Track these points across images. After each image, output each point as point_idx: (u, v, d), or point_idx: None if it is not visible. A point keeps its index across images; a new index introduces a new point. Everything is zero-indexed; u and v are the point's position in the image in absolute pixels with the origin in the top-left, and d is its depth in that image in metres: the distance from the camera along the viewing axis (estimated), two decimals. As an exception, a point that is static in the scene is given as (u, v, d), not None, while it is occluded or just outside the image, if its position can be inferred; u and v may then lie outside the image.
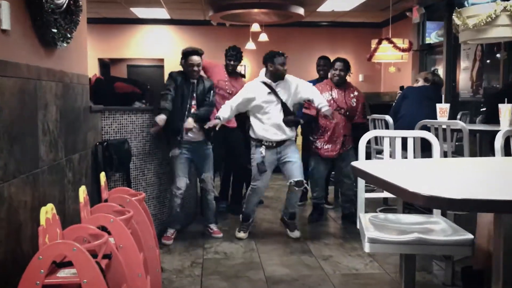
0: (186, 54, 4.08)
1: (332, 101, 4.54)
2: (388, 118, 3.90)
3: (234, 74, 4.92)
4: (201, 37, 9.18)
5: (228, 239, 4.19)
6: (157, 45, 9.18)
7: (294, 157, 4.13)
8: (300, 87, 4.19)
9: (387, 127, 3.98)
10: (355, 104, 4.58)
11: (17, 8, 2.27)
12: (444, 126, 3.22)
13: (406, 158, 2.61)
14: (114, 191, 3.15)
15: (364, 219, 2.40)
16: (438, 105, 3.53)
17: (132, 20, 9.05)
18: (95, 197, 3.14)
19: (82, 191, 2.50)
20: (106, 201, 2.81)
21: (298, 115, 4.86)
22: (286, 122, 4.07)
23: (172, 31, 9.27)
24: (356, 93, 4.64)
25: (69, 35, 2.76)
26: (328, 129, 4.56)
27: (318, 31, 9.60)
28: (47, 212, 2.01)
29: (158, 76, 9.62)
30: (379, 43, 5.57)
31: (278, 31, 8.91)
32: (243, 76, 4.99)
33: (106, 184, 2.98)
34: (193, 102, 4.12)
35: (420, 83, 4.23)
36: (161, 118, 3.88)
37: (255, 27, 7.49)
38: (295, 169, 4.10)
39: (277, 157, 4.15)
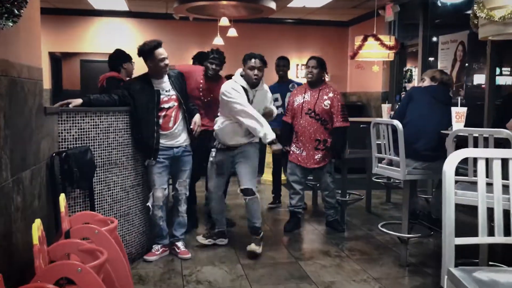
0: (153, 48, 3.58)
1: (303, 104, 4.33)
2: (397, 123, 3.46)
3: (214, 79, 4.37)
4: (163, 31, 8.55)
5: (210, 260, 3.65)
6: (114, 39, 8.43)
7: (246, 161, 3.85)
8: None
9: (394, 134, 3.54)
10: (328, 106, 4.27)
11: None
12: (486, 135, 2.80)
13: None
14: (77, 217, 2.56)
15: (456, 278, 1.77)
16: (454, 109, 3.13)
17: (87, 12, 8.30)
18: (51, 226, 2.52)
19: (37, 228, 1.88)
20: (67, 234, 2.21)
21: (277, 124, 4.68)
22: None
23: (131, 25, 8.57)
24: (331, 94, 4.33)
25: (17, 11, 2.04)
26: (298, 132, 4.38)
27: (285, 28, 9.22)
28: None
29: (114, 72, 8.87)
30: (365, 40, 5.18)
31: (246, 27, 8.43)
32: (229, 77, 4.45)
33: (67, 209, 2.39)
34: (168, 105, 3.69)
35: (426, 82, 3.83)
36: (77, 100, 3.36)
37: (224, 21, 6.95)
38: (243, 175, 3.82)
39: (231, 160, 3.92)
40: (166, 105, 3.69)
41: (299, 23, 9.18)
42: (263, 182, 6.85)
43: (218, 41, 7.38)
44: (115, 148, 3.55)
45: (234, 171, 3.93)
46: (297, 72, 9.25)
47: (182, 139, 3.79)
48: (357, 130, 5.15)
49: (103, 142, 3.44)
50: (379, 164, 3.85)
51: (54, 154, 2.90)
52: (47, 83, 8.37)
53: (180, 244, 3.89)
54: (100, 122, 3.43)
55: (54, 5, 8.00)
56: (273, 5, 7.06)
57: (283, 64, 5.34)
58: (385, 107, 5.24)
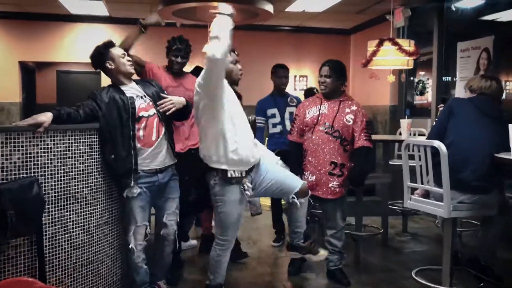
0: (107, 47, 3.00)
1: (319, 117, 3.43)
2: (439, 145, 2.68)
3: (180, 75, 3.61)
4: (147, 39, 7.63)
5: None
6: (93, 47, 7.63)
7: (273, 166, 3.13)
8: None
9: (433, 158, 2.75)
10: (351, 121, 3.40)
11: None
12: None
13: None
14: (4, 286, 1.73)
15: None
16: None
17: (62, 17, 7.51)
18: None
19: None
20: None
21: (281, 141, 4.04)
22: None
23: (112, 31, 7.74)
24: (354, 107, 3.48)
25: None
26: (307, 150, 3.47)
27: (282, 36, 8.51)
28: None
29: (94, 84, 8.05)
30: (380, 44, 4.42)
31: (239, 34, 7.60)
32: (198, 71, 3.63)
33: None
34: (148, 113, 2.94)
35: (468, 93, 3.07)
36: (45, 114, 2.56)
37: (215, 27, 6.16)
38: (287, 179, 3.08)
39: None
40: (145, 113, 2.93)
41: (297, 30, 8.47)
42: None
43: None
44: (75, 177, 2.73)
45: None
46: (295, 84, 8.51)
47: (168, 158, 3.00)
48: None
49: (57, 170, 2.63)
50: (413, 196, 3.05)
51: (-23, 192, 2.07)
52: (17, 96, 7.51)
53: (162, 283, 3.21)
54: (54, 144, 2.62)
55: (25, 9, 7.18)
56: (270, 8, 6.30)
57: (284, 75, 4.55)
58: (405, 123, 4.49)
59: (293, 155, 3.58)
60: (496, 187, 2.92)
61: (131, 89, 2.98)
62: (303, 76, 8.58)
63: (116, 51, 2.98)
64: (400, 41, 4.50)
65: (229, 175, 2.79)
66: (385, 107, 7.36)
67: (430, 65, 6.42)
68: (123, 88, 2.97)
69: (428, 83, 6.77)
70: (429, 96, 6.65)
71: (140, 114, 2.90)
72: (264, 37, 8.27)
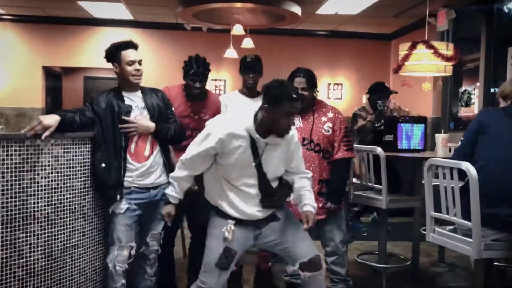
0: (119, 48, 2.75)
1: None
2: (468, 167, 2.13)
3: (199, 97, 3.25)
4: (172, 43, 7.61)
5: None
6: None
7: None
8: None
9: (461, 179, 2.21)
10: (330, 130, 3.00)
11: None
12: None
13: None
14: None
15: None
16: None
17: (86, 21, 7.39)
18: None
19: None
20: None
21: None
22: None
23: (137, 35, 7.53)
24: (330, 114, 3.05)
25: None
26: None
27: (313, 41, 8.08)
28: None
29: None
30: (413, 47, 3.87)
31: (266, 38, 7.32)
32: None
33: None
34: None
35: (503, 102, 2.48)
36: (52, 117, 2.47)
37: (238, 29, 5.77)
38: (300, 241, 2.51)
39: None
40: None
41: (330, 35, 8.02)
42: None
43: (230, 53, 6.25)
44: (34, 194, 2.38)
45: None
46: (329, 93, 8.03)
47: (163, 177, 2.76)
48: (405, 167, 3.79)
49: (11, 185, 2.28)
50: (437, 229, 2.48)
51: None
52: (39, 102, 7.42)
53: None
54: (8, 155, 2.29)
55: (48, 13, 7.08)
56: (298, 10, 5.88)
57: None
58: (440, 138, 3.90)
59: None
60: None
61: (133, 98, 2.78)
62: (338, 84, 8.09)
63: (126, 56, 2.74)
64: (436, 43, 3.92)
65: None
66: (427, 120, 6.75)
67: (477, 74, 5.81)
68: (124, 94, 2.78)
69: (474, 94, 6.13)
70: (475, 108, 6.01)
71: None
72: (292, 42, 7.89)
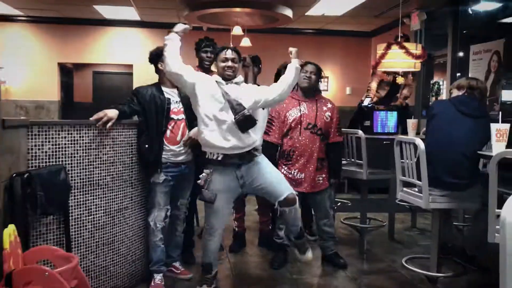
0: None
1: (301, 118, 3.69)
2: (419, 143, 2.94)
3: (209, 70, 3.94)
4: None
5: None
6: (126, 49, 8.15)
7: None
8: None
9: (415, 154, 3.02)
10: (329, 118, 3.75)
11: None
12: None
13: None
14: (33, 252, 2.12)
15: None
16: (494, 126, 2.60)
17: (98, 21, 8.05)
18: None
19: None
20: (8, 280, 1.77)
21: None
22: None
23: (143, 35, 8.26)
24: (329, 105, 3.84)
25: None
26: (296, 151, 3.70)
27: (303, 39, 8.76)
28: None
29: (126, 85, 8.57)
30: (388, 47, 4.66)
31: (261, 37, 8.02)
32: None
33: (17, 244, 1.95)
34: (177, 117, 3.40)
35: (454, 93, 3.27)
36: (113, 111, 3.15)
37: (237, 30, 6.53)
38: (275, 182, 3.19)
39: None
40: (175, 117, 3.40)
41: (318, 33, 8.73)
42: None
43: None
44: (98, 166, 3.12)
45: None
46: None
47: (189, 156, 3.47)
48: (380, 147, 4.58)
49: (82, 160, 3.01)
50: (404, 189, 3.31)
51: (14, 175, 2.48)
52: (55, 95, 8.10)
53: (178, 264, 3.64)
54: (80, 137, 3.01)
55: (64, 14, 7.74)
56: (289, 13, 6.63)
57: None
58: (410, 123, 4.68)
59: (271, 156, 3.52)
60: (477, 183, 3.11)
61: (171, 93, 3.42)
62: (324, 77, 8.81)
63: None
64: (407, 44, 4.73)
65: (207, 155, 3.15)
66: (403, 108, 7.51)
67: (446, 68, 6.55)
68: (164, 89, 3.40)
69: (443, 85, 6.90)
70: (444, 97, 6.79)
71: (171, 116, 3.36)
72: (287, 40, 8.52)
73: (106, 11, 7.39)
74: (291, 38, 8.59)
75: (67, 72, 8.94)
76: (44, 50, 8.03)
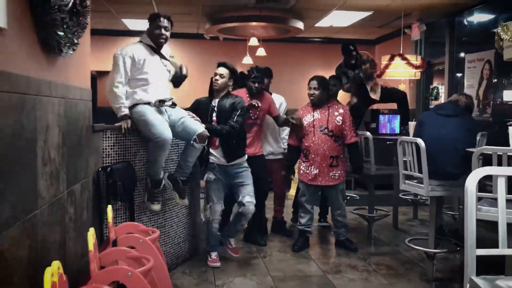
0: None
1: (314, 122, 4.39)
2: (420, 142, 3.58)
3: (257, 95, 4.51)
4: (193, 51, 8.87)
5: (242, 272, 3.83)
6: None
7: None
8: None
9: (418, 153, 3.65)
10: (341, 122, 4.39)
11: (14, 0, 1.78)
12: (510, 153, 2.91)
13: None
14: (121, 227, 2.76)
15: (477, 286, 1.86)
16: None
17: (121, 32, 8.67)
18: (97, 235, 2.73)
19: (91, 235, 2.10)
20: (115, 243, 2.41)
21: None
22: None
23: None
24: (341, 110, 4.46)
25: (76, 41, 2.34)
26: (310, 150, 4.39)
27: (312, 47, 9.41)
28: (53, 274, 1.60)
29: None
30: (391, 59, 5.31)
31: (274, 46, 8.66)
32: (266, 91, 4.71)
33: (113, 220, 2.60)
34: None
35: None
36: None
37: (253, 41, 7.19)
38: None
39: None
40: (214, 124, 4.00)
41: (326, 41, 9.35)
42: (290, 198, 6.94)
43: (247, 60, 7.62)
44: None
45: None
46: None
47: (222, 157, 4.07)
48: (385, 147, 5.24)
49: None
50: (406, 181, 3.96)
51: (100, 169, 3.14)
52: (85, 100, 8.73)
53: (232, 240, 4.23)
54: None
55: (92, 26, 8.36)
56: (301, 26, 7.27)
57: (333, 84, 4.86)
58: (411, 125, 5.33)
59: (292, 156, 4.58)
60: (468, 173, 3.73)
61: (213, 102, 4.05)
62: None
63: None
64: (408, 56, 5.38)
65: None
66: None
67: (444, 74, 7.18)
68: (214, 99, 4.05)
69: (441, 89, 7.52)
70: (442, 100, 7.40)
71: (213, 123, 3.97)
72: (295, 48, 9.17)
73: (131, 23, 8.02)
74: (301, 46, 9.23)
75: (91, 79, 9.53)
76: (73, 59, 8.65)
